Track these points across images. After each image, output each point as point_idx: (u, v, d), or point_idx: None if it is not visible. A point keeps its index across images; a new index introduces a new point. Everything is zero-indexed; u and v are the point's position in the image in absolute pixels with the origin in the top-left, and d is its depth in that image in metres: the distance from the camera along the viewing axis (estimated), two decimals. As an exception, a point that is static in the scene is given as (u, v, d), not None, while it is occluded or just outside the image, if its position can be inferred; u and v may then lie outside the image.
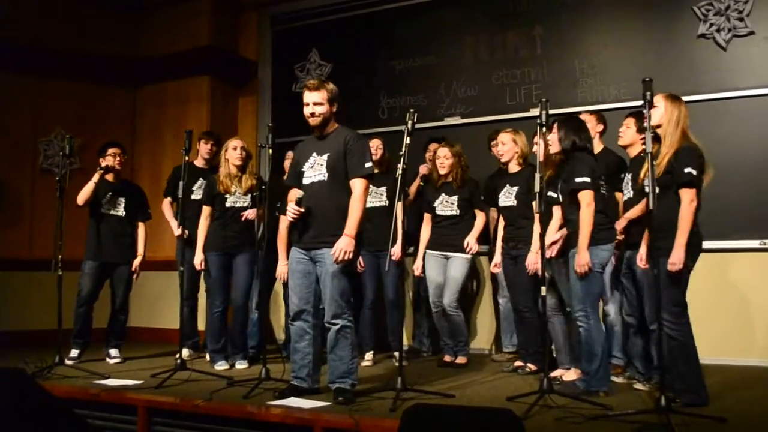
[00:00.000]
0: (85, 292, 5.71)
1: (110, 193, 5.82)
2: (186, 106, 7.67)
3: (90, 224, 5.80)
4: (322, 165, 4.16)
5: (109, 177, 5.83)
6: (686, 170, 3.76)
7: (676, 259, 3.71)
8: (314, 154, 4.21)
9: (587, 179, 4.15)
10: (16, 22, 7.21)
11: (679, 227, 3.74)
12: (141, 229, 5.99)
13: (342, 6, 7.42)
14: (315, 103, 4.18)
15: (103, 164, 5.77)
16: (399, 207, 4.81)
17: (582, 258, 4.07)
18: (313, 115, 4.18)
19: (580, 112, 5.19)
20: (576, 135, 4.31)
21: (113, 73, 7.83)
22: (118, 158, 5.83)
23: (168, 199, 6.23)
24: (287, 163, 5.47)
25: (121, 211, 5.86)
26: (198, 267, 5.39)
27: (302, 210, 4.10)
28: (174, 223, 6.06)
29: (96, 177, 5.66)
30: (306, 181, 4.22)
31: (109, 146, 5.86)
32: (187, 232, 5.53)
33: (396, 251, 4.89)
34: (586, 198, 4.14)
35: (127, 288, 5.88)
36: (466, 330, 5.57)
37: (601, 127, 5.16)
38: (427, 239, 5.61)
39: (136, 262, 5.88)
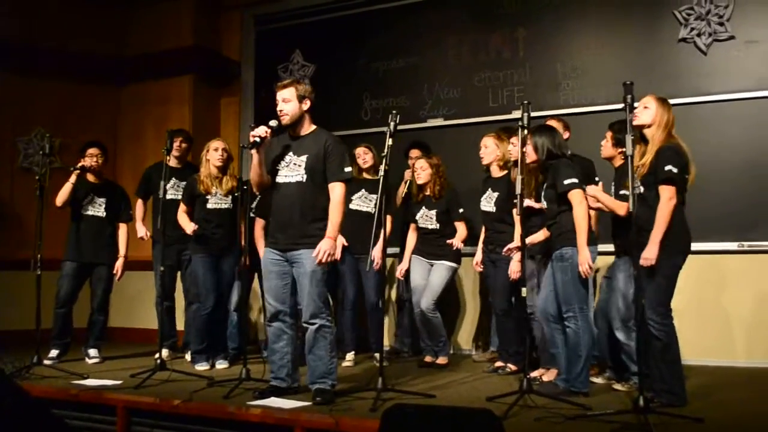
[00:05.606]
0: (64, 293, 5.67)
1: (91, 194, 5.78)
2: (168, 106, 7.62)
3: (70, 224, 5.76)
4: (300, 166, 4.13)
5: (91, 177, 5.79)
6: (666, 168, 3.79)
7: (649, 254, 3.74)
8: (290, 154, 4.18)
9: (575, 180, 4.18)
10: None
11: (655, 223, 3.77)
12: (122, 230, 5.92)
13: (325, 7, 7.40)
14: (283, 99, 4.17)
15: (81, 164, 5.70)
16: (381, 208, 4.78)
17: (583, 256, 4.08)
18: (281, 112, 4.17)
19: (560, 115, 5.21)
20: (550, 143, 4.32)
21: (95, 71, 7.75)
22: (96, 159, 5.78)
23: (140, 201, 6.11)
24: None
25: (101, 212, 5.81)
26: (190, 232, 5.25)
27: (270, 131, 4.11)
28: (139, 225, 5.99)
29: (73, 177, 5.60)
30: (281, 180, 4.19)
31: (89, 146, 5.82)
32: (149, 233, 5.73)
33: (376, 255, 4.86)
34: (577, 197, 4.16)
35: (107, 289, 5.83)
36: (445, 330, 5.56)
37: (567, 134, 5.06)
38: (413, 246, 5.64)
39: (119, 263, 5.81)
